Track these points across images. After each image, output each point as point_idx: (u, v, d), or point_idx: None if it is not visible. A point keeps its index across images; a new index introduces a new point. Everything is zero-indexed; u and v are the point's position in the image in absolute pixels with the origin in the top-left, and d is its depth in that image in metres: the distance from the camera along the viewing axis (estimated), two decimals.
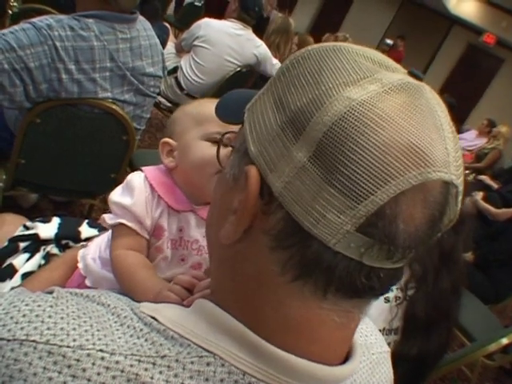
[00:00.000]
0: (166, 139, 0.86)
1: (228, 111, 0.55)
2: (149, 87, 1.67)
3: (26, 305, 0.44)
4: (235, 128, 0.51)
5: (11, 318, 0.43)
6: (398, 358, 0.73)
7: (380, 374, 0.54)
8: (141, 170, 0.84)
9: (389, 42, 11.08)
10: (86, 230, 1.14)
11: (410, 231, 0.39)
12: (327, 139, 0.38)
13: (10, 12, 2.08)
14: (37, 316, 0.43)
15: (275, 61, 3.27)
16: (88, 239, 1.10)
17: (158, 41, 1.72)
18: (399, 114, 0.38)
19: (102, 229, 1.13)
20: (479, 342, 1.88)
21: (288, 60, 0.47)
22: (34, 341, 0.41)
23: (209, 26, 2.94)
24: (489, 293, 2.69)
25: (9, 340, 0.41)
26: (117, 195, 0.81)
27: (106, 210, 0.84)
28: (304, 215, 0.39)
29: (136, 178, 0.82)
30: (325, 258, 0.39)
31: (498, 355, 2.05)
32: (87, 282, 0.86)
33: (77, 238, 1.12)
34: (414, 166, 0.38)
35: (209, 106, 0.85)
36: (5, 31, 1.32)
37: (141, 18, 1.61)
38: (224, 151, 0.80)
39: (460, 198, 0.42)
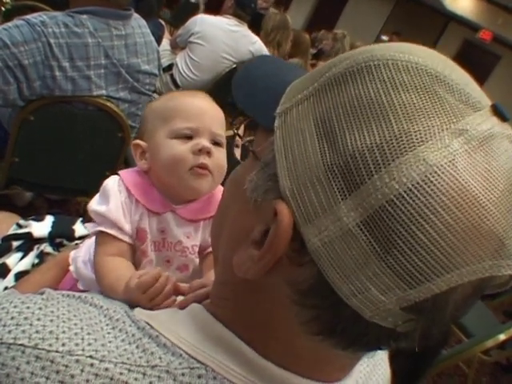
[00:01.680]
0: (137, 141, 0.84)
1: (250, 100, 0.45)
2: (144, 85, 1.65)
3: (15, 306, 0.42)
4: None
5: None
6: (396, 354, 0.73)
7: (377, 375, 0.54)
8: (117, 174, 0.82)
9: (384, 38, 11.08)
10: (80, 229, 1.13)
11: (455, 315, 0.36)
12: (389, 209, 0.32)
13: (3, 9, 2.06)
14: (25, 318, 0.41)
15: None
16: (82, 238, 1.09)
17: (153, 38, 1.71)
18: (484, 192, 0.32)
19: None
20: (477, 338, 1.89)
21: (342, 63, 0.37)
22: (21, 344, 0.39)
23: (204, 22, 2.92)
24: None
25: None
26: (94, 203, 0.79)
27: None
28: (342, 282, 0.34)
29: (110, 183, 0.80)
30: (355, 326, 0.36)
31: (494, 351, 2.06)
32: (79, 285, 0.85)
33: (71, 237, 1.11)
34: (488, 257, 0.33)
35: (176, 99, 0.83)
36: None
37: (135, 15, 1.60)
38: (187, 146, 0.76)
39: None
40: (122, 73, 1.53)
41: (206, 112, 0.81)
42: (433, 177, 0.31)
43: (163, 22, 3.64)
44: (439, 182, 0.31)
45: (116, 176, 0.81)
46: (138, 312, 0.46)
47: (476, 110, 0.34)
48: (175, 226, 0.81)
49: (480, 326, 2.21)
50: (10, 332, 0.40)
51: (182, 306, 0.49)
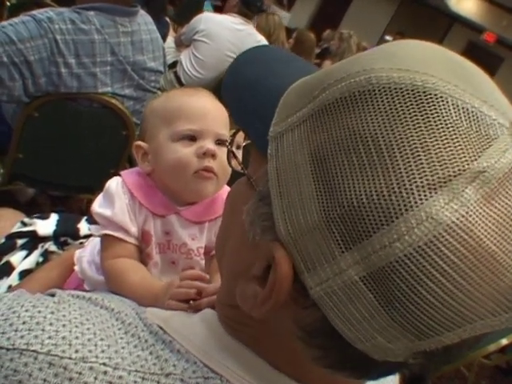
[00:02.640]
0: (139, 142, 0.82)
1: (243, 114, 0.43)
2: (149, 82, 1.65)
3: (26, 310, 0.41)
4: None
5: (10, 325, 0.40)
6: None
7: (387, 382, 0.53)
8: (119, 175, 0.80)
9: (388, 38, 11.06)
10: (85, 227, 1.12)
11: (469, 349, 0.34)
12: (392, 269, 0.29)
13: (8, 4, 2.05)
14: (37, 323, 0.40)
15: None
16: (87, 236, 1.08)
17: (159, 35, 1.70)
18: (502, 246, 0.29)
19: None
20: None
21: (336, 86, 0.33)
22: (34, 351, 0.39)
23: (209, 21, 2.91)
24: None
25: (8, 349, 0.39)
26: (97, 205, 0.78)
27: None
28: (348, 330, 0.32)
29: (113, 185, 0.78)
30: (365, 364, 0.34)
31: (494, 355, 2.05)
32: (86, 286, 0.84)
33: (76, 235, 1.10)
34: (504, 311, 0.30)
35: (178, 99, 0.81)
36: (4, 24, 1.30)
37: (141, 12, 1.60)
38: (191, 149, 0.75)
39: None
40: (128, 70, 1.53)
41: (210, 112, 0.79)
42: (442, 236, 0.28)
43: (168, 20, 3.63)
44: (449, 242, 0.28)
45: (118, 177, 0.80)
46: (151, 314, 0.45)
47: (495, 137, 0.29)
48: (180, 227, 0.80)
49: None
50: (22, 337, 0.39)
51: (195, 309, 0.48)
